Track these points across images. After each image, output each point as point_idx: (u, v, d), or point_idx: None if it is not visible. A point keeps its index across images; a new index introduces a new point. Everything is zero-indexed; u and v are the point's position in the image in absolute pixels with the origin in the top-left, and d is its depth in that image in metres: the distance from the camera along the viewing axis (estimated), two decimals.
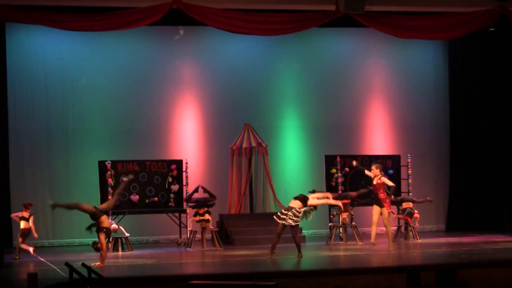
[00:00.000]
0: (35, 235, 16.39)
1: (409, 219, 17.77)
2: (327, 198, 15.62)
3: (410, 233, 17.92)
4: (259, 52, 20.45)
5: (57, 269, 13.69)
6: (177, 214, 18.24)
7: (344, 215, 17.62)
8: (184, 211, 18.05)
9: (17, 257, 15.70)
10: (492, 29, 18.95)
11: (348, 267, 13.73)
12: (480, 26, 17.67)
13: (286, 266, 14.32)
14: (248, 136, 18.91)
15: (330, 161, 18.73)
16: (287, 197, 19.24)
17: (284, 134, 20.59)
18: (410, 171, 19.03)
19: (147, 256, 15.11)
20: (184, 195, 18.07)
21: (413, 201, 18.14)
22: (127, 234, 16.75)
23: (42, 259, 15.37)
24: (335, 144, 20.24)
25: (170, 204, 17.97)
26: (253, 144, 18.83)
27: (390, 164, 19.09)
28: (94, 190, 17.94)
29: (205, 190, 17.36)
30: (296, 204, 14.95)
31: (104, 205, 14.59)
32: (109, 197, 17.02)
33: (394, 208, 18.75)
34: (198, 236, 17.35)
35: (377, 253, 15.72)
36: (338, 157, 18.64)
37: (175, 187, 18.02)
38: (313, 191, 16.19)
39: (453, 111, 21.01)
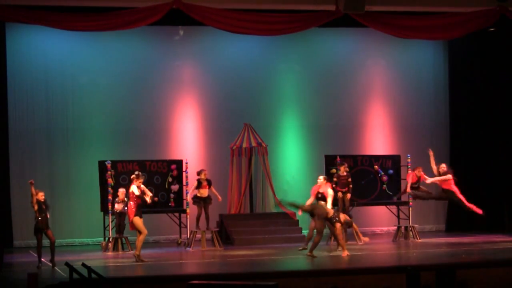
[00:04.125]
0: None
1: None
2: None
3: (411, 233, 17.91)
4: (259, 52, 20.44)
5: (57, 269, 13.70)
6: (177, 214, 18.24)
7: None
8: (184, 211, 18.03)
9: None
10: (492, 29, 18.95)
11: (348, 267, 13.72)
12: (480, 26, 17.67)
13: (286, 266, 14.32)
14: (248, 136, 18.90)
15: (330, 161, 18.70)
16: (286, 197, 19.28)
17: (284, 134, 20.58)
18: (410, 171, 19.00)
19: (147, 256, 15.08)
20: (184, 195, 18.05)
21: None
22: None
23: (42, 259, 15.35)
24: (335, 144, 20.23)
25: (170, 204, 17.97)
26: (253, 144, 18.83)
27: (390, 164, 19.06)
28: (94, 190, 17.96)
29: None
30: None
31: None
32: (109, 197, 17.04)
33: (393, 208, 18.78)
34: (198, 236, 17.36)
35: (377, 253, 15.71)
36: (338, 157, 18.62)
37: (175, 187, 18.02)
38: None
39: (453, 111, 21.00)
